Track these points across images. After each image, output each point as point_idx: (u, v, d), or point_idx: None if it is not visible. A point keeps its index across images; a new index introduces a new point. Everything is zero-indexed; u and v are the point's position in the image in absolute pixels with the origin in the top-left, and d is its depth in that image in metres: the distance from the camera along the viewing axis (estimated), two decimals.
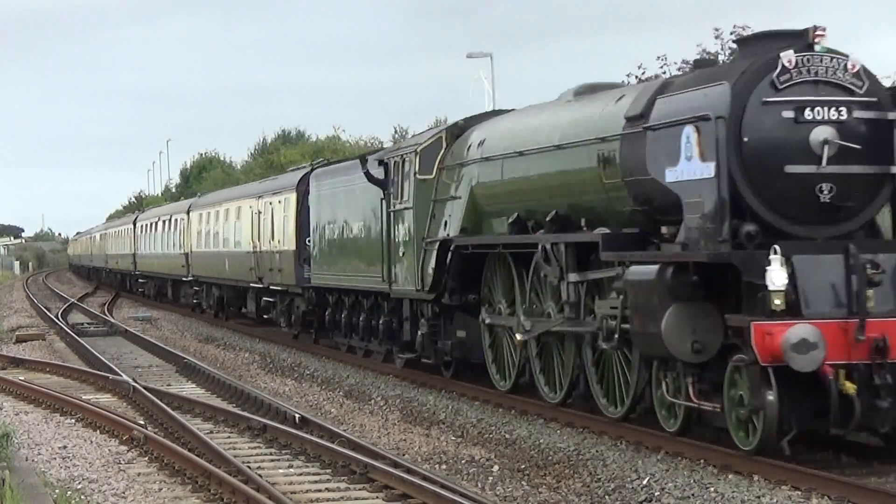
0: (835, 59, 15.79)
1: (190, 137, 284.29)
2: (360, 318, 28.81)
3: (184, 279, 52.14)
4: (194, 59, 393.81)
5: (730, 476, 15.25)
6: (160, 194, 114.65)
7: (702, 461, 16.05)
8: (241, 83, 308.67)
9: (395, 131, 67.18)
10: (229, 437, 19.06)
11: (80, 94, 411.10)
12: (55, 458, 17.57)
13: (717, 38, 35.98)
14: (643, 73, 35.71)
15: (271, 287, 36.76)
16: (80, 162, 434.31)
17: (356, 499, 14.58)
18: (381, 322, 27.33)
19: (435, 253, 23.05)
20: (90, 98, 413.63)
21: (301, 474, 16.05)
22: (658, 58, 37.73)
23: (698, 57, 35.93)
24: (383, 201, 26.08)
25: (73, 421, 21.24)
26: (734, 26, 36.18)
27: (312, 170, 33.89)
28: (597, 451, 17.29)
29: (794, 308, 14.99)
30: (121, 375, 25.44)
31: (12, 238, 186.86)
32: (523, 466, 16.81)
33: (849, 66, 15.71)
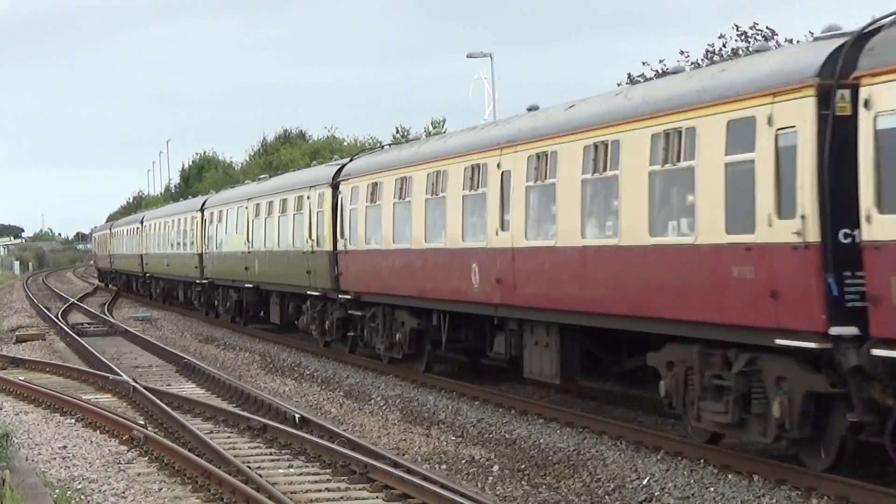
0: None
1: (192, 137, 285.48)
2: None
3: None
4: (208, 59, 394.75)
5: (730, 476, 15.26)
6: (160, 194, 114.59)
7: (702, 461, 16.05)
8: (246, 83, 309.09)
9: (397, 131, 67.02)
10: (229, 437, 19.06)
11: (84, 95, 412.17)
12: (55, 458, 17.56)
13: (739, 35, 35.90)
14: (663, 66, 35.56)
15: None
16: (80, 162, 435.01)
17: (356, 499, 14.57)
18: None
19: None
20: (94, 98, 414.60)
21: (301, 474, 16.05)
22: (681, 52, 37.77)
23: (709, 55, 35.84)
24: None
25: (73, 421, 21.23)
26: (754, 23, 36.17)
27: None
28: (597, 451, 17.29)
29: None
30: (121, 375, 25.44)
31: (12, 238, 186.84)
32: (523, 466, 16.81)
33: None
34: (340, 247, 28.93)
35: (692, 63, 35.76)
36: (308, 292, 31.74)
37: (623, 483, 15.44)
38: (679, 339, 16.11)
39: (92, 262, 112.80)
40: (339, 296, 29.08)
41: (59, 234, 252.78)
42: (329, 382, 26.74)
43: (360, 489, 14.93)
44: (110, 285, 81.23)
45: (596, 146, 17.79)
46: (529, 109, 21.47)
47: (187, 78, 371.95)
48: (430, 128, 61.12)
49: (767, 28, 36.15)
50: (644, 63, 37.77)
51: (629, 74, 37.51)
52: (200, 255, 46.96)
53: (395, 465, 15.49)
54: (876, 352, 12.58)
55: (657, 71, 35.46)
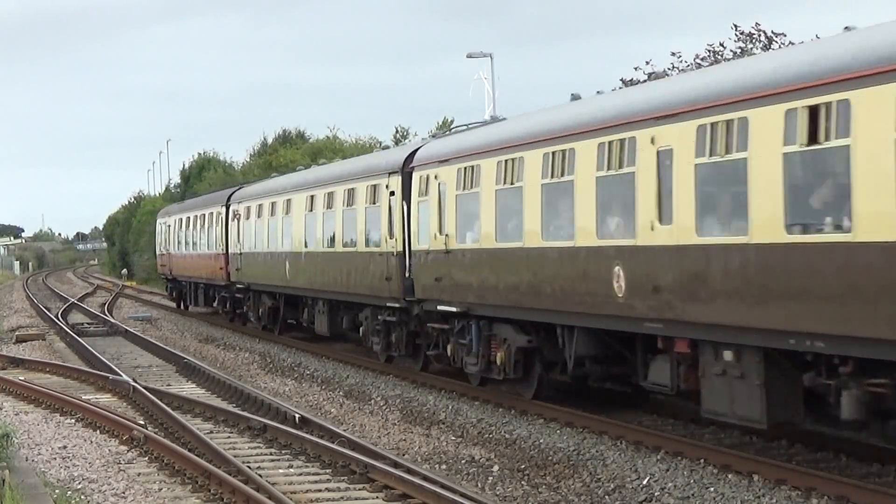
0: None
1: (192, 137, 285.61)
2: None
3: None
4: (210, 59, 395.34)
5: (730, 476, 15.26)
6: (159, 195, 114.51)
7: (702, 461, 16.06)
8: (248, 83, 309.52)
9: (397, 131, 66.88)
10: (229, 437, 19.06)
11: (85, 95, 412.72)
12: (55, 458, 17.57)
13: (737, 36, 35.77)
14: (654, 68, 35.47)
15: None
16: (80, 162, 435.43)
17: (356, 499, 14.58)
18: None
19: None
20: (95, 98, 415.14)
21: (301, 474, 16.05)
22: (673, 53, 37.65)
23: (707, 56, 35.77)
24: None
25: (73, 421, 21.24)
26: (756, 24, 35.98)
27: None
28: (597, 451, 17.29)
29: None
30: (121, 375, 25.44)
31: (12, 238, 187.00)
32: (523, 466, 16.81)
33: None
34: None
35: (689, 64, 35.72)
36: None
37: (623, 483, 15.44)
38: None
39: (159, 269, 60.61)
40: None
41: (59, 235, 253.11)
42: (329, 382, 26.75)
43: (360, 489, 14.93)
44: (216, 310, 46.81)
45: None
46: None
47: (189, 78, 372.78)
48: (437, 128, 61.03)
49: (773, 32, 35.95)
50: (636, 69, 37.60)
51: (622, 80, 37.40)
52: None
53: (395, 465, 15.49)
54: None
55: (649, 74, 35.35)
